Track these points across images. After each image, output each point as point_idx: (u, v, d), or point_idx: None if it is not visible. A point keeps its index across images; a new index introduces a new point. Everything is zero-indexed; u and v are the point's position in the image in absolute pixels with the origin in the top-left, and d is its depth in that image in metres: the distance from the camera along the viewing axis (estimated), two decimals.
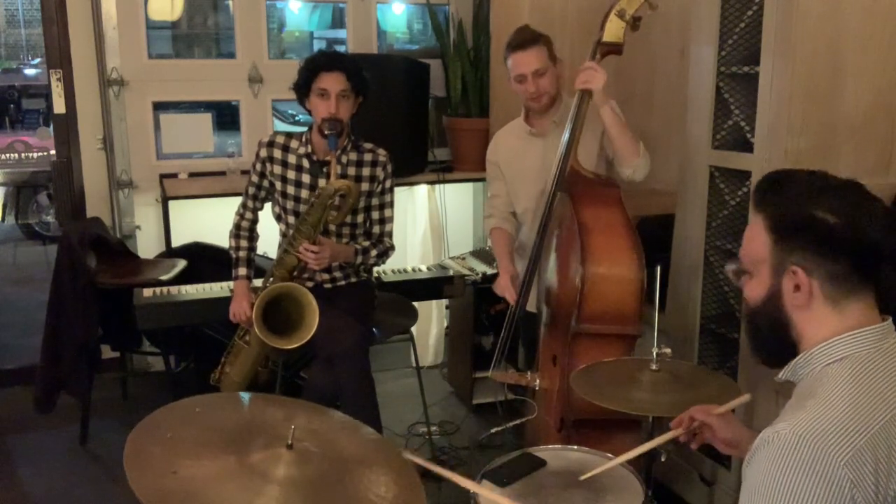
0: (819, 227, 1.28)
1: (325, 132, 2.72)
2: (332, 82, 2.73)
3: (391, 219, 3.02)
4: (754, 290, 1.37)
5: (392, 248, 3.01)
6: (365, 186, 2.90)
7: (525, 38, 2.72)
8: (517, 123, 2.92)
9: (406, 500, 1.50)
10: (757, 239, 1.35)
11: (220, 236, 3.33)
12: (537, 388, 2.69)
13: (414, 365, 3.46)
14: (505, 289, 2.76)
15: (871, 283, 1.30)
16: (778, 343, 1.37)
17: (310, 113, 2.84)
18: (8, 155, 8.14)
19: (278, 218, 2.98)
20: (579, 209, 2.47)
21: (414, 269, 3.67)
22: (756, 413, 2.53)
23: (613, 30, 2.54)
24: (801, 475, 1.16)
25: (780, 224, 1.32)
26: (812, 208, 1.29)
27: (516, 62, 2.73)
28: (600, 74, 2.52)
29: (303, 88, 2.79)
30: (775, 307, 1.34)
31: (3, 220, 7.38)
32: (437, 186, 4.31)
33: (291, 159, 2.88)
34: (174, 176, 4.10)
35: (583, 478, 1.83)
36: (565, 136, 2.61)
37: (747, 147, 2.62)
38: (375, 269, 3.22)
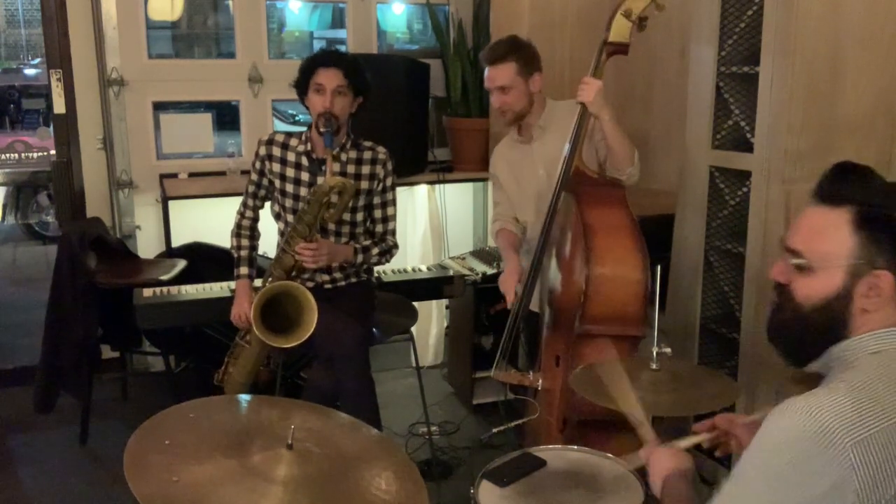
0: None
1: (321, 129, 2.72)
2: (329, 78, 2.73)
3: (393, 217, 3.02)
4: (814, 287, 1.28)
5: (395, 246, 3.01)
6: (365, 185, 2.90)
7: (494, 54, 2.75)
8: (511, 133, 2.95)
9: (408, 495, 1.51)
10: (834, 234, 1.26)
11: (220, 236, 3.33)
12: (539, 389, 2.69)
13: (414, 365, 3.46)
14: (508, 288, 2.76)
15: None
16: (824, 343, 1.30)
17: (309, 111, 2.84)
18: (8, 155, 8.12)
19: (277, 217, 2.98)
20: (584, 210, 2.47)
21: (414, 269, 3.67)
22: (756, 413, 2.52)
23: (620, 30, 2.53)
24: (803, 445, 1.15)
25: (872, 222, 1.24)
26: (894, 209, 1.24)
27: (486, 75, 2.78)
28: (591, 86, 2.52)
29: (302, 85, 2.80)
30: (840, 307, 1.27)
31: (4, 220, 7.38)
32: (437, 186, 4.31)
33: (290, 157, 2.88)
34: (174, 176, 4.09)
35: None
36: (569, 137, 2.61)
37: (747, 147, 2.62)
38: (376, 268, 3.21)
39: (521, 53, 2.74)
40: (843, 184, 1.29)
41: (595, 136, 2.67)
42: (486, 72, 2.77)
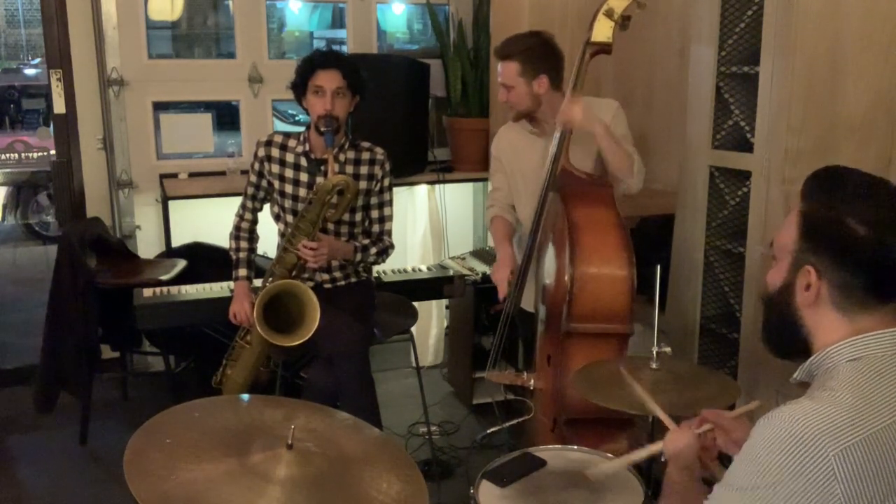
0: (844, 235, 1.26)
1: (322, 129, 2.72)
2: (328, 79, 2.74)
3: (390, 217, 3.02)
4: (774, 276, 1.37)
5: (391, 246, 3.01)
6: (363, 185, 2.90)
7: (501, 51, 2.71)
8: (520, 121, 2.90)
9: (408, 496, 1.51)
10: (789, 228, 1.34)
11: (220, 236, 3.32)
12: (532, 389, 2.69)
13: (414, 365, 3.46)
14: (500, 278, 2.75)
15: (894, 301, 1.28)
16: (786, 337, 1.36)
17: (307, 112, 2.85)
18: (8, 155, 8.12)
19: (277, 217, 2.98)
20: (570, 208, 2.47)
21: (414, 269, 3.67)
22: (755, 414, 2.52)
23: (602, 29, 2.51)
24: (784, 456, 1.17)
25: (810, 221, 1.31)
26: (846, 214, 1.26)
27: (498, 68, 2.75)
28: (575, 108, 2.49)
29: (300, 87, 2.80)
30: (787, 300, 1.34)
31: (4, 220, 7.38)
32: (437, 186, 4.31)
33: (289, 158, 2.89)
34: (174, 176, 4.09)
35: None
36: (556, 135, 2.60)
37: (747, 147, 2.62)
38: (375, 269, 3.21)
39: (528, 55, 2.67)
40: (811, 185, 1.37)
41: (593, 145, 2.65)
42: (498, 65, 2.74)
